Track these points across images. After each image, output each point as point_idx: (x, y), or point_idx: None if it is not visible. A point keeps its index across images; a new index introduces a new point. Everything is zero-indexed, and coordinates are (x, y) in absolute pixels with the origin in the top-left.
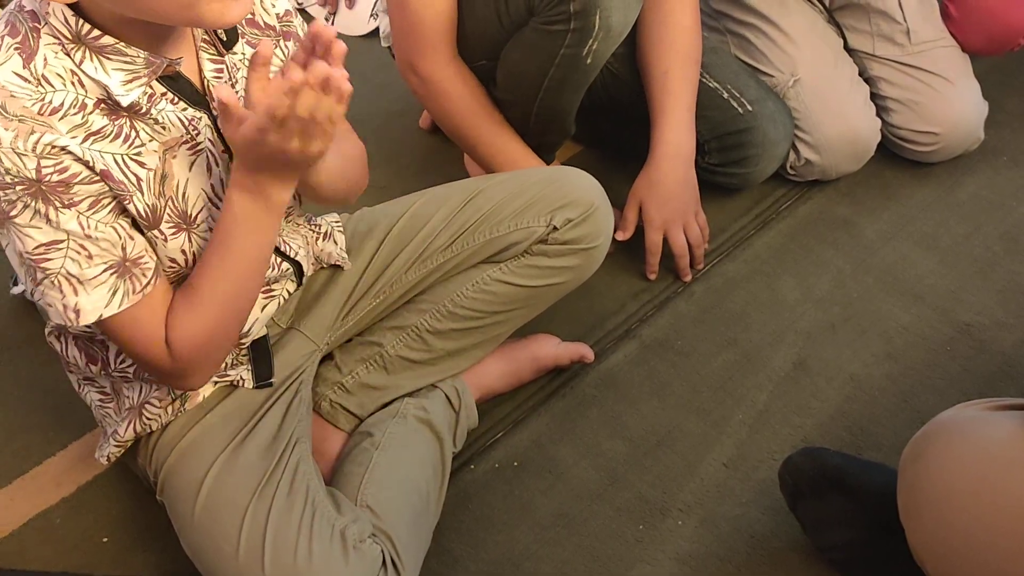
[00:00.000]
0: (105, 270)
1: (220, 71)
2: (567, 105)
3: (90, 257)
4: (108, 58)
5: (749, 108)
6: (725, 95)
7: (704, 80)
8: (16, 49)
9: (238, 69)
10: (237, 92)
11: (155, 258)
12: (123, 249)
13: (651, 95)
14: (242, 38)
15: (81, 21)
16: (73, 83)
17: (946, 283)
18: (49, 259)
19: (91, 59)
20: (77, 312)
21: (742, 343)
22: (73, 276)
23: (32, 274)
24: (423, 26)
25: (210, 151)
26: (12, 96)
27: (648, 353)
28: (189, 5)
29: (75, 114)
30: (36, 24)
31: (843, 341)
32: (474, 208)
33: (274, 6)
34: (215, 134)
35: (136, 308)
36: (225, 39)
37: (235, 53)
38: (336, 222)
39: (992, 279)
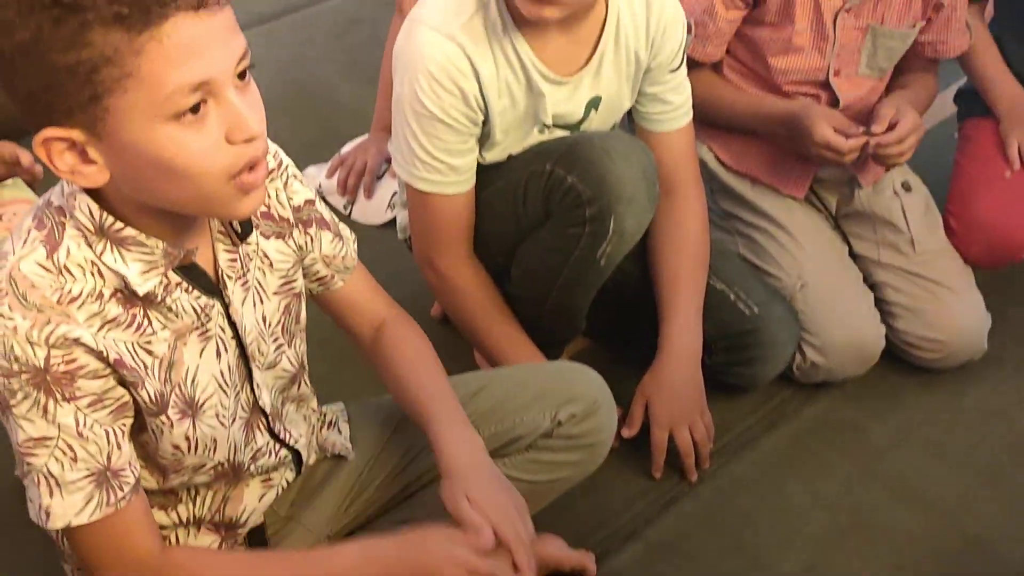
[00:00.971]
0: (86, 476)
1: (234, 261)
2: (578, 304)
3: (75, 460)
4: (128, 249)
5: (756, 310)
6: (732, 297)
7: (712, 281)
8: (42, 242)
9: (250, 259)
10: (246, 282)
11: (136, 473)
12: (108, 458)
13: (660, 296)
14: (256, 229)
15: (105, 213)
16: (92, 273)
17: (954, 492)
18: (35, 455)
19: (111, 250)
20: (48, 514)
21: (750, 548)
22: (53, 476)
23: (20, 465)
24: (442, 226)
25: (220, 337)
26: (33, 286)
27: (654, 556)
28: (205, 198)
29: (92, 303)
30: (62, 218)
31: (852, 549)
32: (479, 402)
33: (291, 199)
34: (226, 321)
35: (107, 521)
36: (240, 230)
37: (248, 243)
38: (341, 411)
39: (1000, 490)
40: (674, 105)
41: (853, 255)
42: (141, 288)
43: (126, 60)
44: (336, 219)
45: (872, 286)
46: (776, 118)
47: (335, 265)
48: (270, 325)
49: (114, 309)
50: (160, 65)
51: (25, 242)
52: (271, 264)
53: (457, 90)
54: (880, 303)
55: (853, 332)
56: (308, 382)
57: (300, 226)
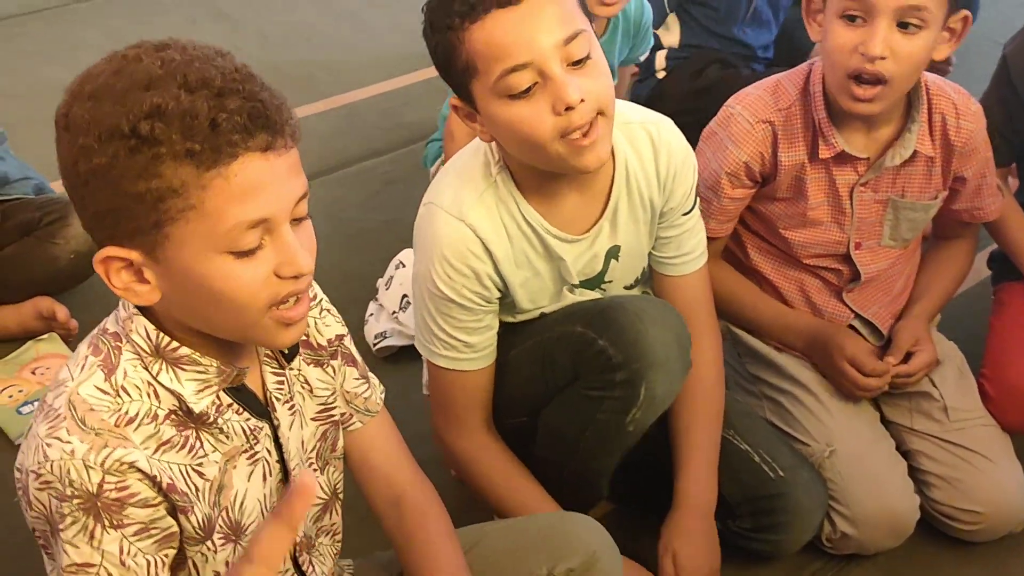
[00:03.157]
0: None
1: (281, 383)
2: (602, 468)
3: None
4: (183, 368)
5: (781, 474)
6: (756, 459)
7: (736, 442)
8: (99, 366)
9: (293, 383)
10: (293, 405)
11: None
12: None
13: (675, 447)
14: (299, 355)
15: (161, 334)
16: (149, 394)
17: None
18: None
19: (167, 370)
20: None
21: None
22: None
23: None
24: (459, 399)
25: (266, 460)
26: (91, 410)
27: None
28: (246, 326)
29: (148, 423)
30: (118, 343)
31: None
32: (475, 557)
33: (325, 329)
34: (273, 443)
35: None
36: (286, 352)
37: (292, 368)
38: (349, 565)
39: None
40: (688, 248)
41: (885, 422)
42: (196, 406)
43: (192, 193)
44: (365, 365)
45: (905, 454)
46: (800, 334)
47: (356, 404)
48: (306, 450)
49: (169, 430)
50: (223, 201)
51: (83, 368)
52: (311, 390)
53: (471, 272)
54: (914, 472)
55: (885, 502)
56: (339, 511)
57: (331, 358)
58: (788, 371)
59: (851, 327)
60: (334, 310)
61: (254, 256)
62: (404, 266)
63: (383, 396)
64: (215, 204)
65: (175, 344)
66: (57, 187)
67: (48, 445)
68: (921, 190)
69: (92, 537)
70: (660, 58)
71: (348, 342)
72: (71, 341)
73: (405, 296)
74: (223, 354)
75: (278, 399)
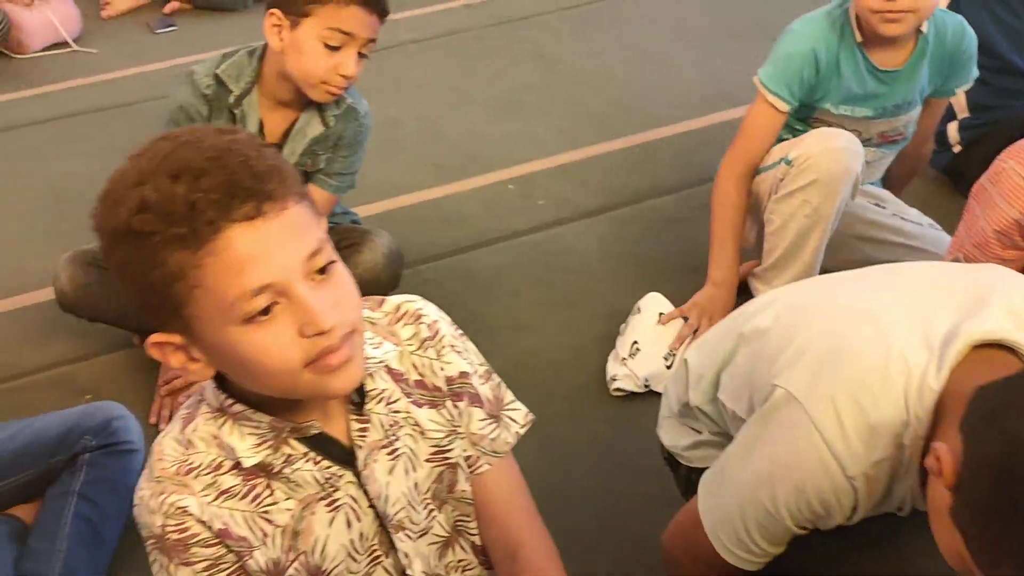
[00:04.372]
0: None
1: (364, 431)
2: None
3: None
4: (242, 424)
5: None
6: None
7: None
8: (183, 419)
9: (400, 427)
10: (397, 450)
11: None
12: None
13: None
14: (408, 398)
15: (222, 394)
16: (214, 446)
17: None
18: None
19: (230, 426)
20: None
21: None
22: None
23: None
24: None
25: (351, 507)
26: (160, 459)
27: None
28: (290, 387)
29: (208, 474)
30: (200, 399)
31: None
32: None
33: (443, 369)
34: (359, 490)
35: None
36: (357, 400)
37: (398, 411)
38: None
39: None
40: None
41: None
42: (247, 461)
43: (191, 274)
44: (502, 398)
45: None
46: None
47: (483, 446)
48: (421, 492)
49: (229, 480)
50: (221, 275)
51: (174, 420)
52: (422, 432)
53: (825, 512)
54: None
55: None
56: (467, 548)
57: (452, 398)
58: None
59: None
60: (461, 346)
61: (273, 322)
62: (640, 312)
63: (523, 430)
64: (214, 280)
65: (231, 401)
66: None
67: (135, 491)
68: None
69: (168, 573)
70: (952, 130)
71: (476, 380)
72: None
73: (636, 343)
74: (295, 408)
75: (360, 446)
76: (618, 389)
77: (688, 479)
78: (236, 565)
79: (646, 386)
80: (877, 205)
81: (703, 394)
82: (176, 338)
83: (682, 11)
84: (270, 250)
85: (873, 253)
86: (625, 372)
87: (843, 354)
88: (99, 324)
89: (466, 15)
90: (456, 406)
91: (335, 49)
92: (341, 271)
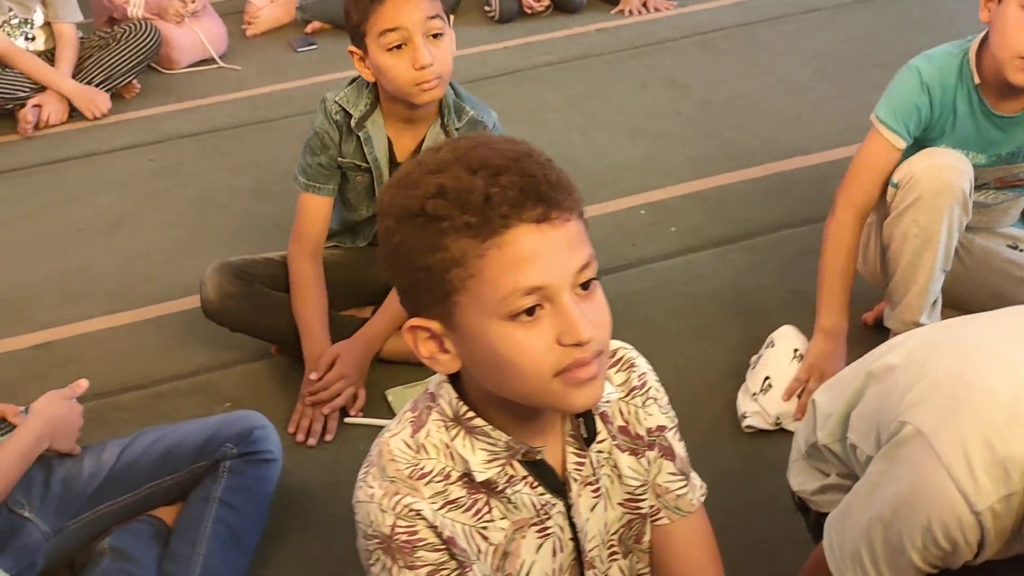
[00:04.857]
0: None
1: (581, 465)
2: None
3: None
4: (476, 438)
5: None
6: None
7: None
8: (411, 422)
9: (602, 466)
10: (597, 488)
11: None
12: None
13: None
14: (612, 440)
15: (461, 403)
16: (445, 455)
17: None
18: None
19: (463, 437)
20: None
21: None
22: None
23: None
24: None
25: (558, 536)
26: (392, 460)
27: None
28: (534, 391)
29: (439, 481)
30: (431, 404)
31: None
32: None
33: (645, 419)
34: (567, 521)
35: None
36: (586, 435)
37: (601, 451)
38: None
39: None
40: None
41: None
42: (480, 475)
43: (471, 263)
44: (687, 460)
45: None
46: None
47: (666, 499)
48: (608, 532)
49: (457, 491)
50: (499, 269)
51: (400, 422)
52: (620, 476)
53: (951, 548)
54: None
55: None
56: None
57: (648, 448)
58: None
59: None
60: (664, 400)
61: (535, 324)
62: (773, 345)
63: (703, 498)
64: (492, 272)
65: (471, 414)
66: None
67: (359, 487)
68: None
69: (391, 575)
70: None
71: (671, 435)
72: None
73: (768, 379)
74: (520, 429)
75: (575, 479)
76: (749, 426)
77: (817, 524)
78: (455, 573)
79: (777, 424)
80: (1013, 247)
81: (831, 434)
82: (434, 325)
83: (822, 39)
84: (549, 255)
85: (1007, 293)
86: (756, 409)
87: (973, 392)
88: (240, 334)
89: (599, 39)
90: (646, 456)
91: (401, 48)
92: (600, 291)
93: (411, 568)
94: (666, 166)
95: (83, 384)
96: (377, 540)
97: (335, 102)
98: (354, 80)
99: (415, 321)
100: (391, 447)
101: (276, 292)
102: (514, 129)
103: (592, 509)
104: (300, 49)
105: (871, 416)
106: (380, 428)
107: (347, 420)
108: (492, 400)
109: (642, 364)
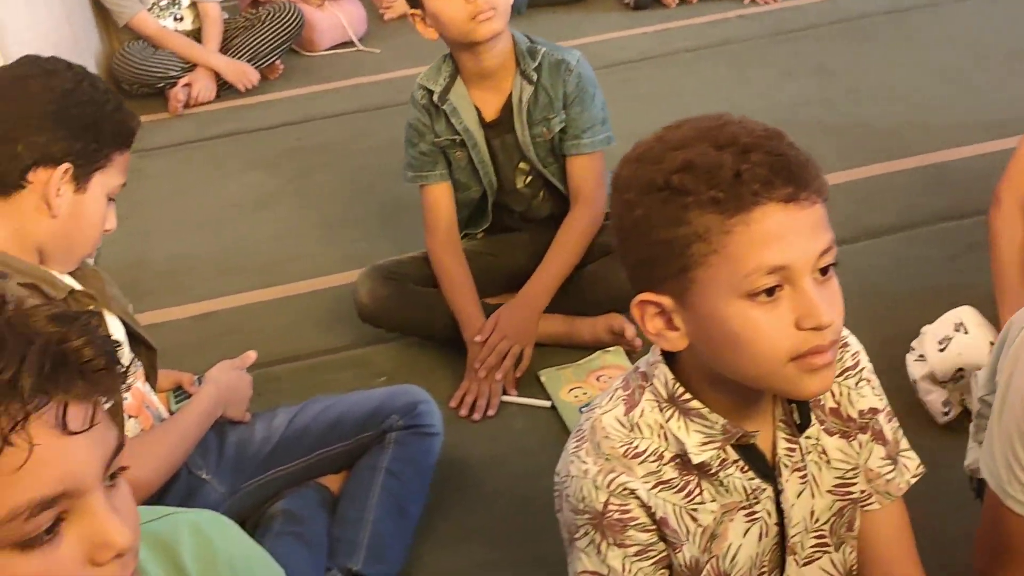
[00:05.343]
0: None
1: (792, 451)
2: None
3: None
4: (692, 420)
5: None
6: None
7: None
8: (624, 400)
9: (808, 452)
10: (804, 474)
11: None
12: None
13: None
14: (820, 424)
15: (677, 384)
16: (658, 435)
17: None
18: None
19: (677, 418)
20: None
21: None
22: None
23: None
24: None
25: (765, 521)
26: (607, 437)
27: None
28: (766, 374)
29: (653, 462)
30: (643, 383)
31: None
32: None
33: (859, 400)
34: (774, 507)
35: None
36: (799, 422)
37: (809, 436)
38: None
39: None
40: None
41: None
42: (696, 458)
43: (715, 238)
44: (899, 442)
45: None
46: None
47: (876, 484)
48: (817, 522)
49: (669, 472)
50: (744, 246)
51: (611, 399)
52: (828, 461)
53: None
54: None
55: None
56: None
57: (860, 431)
58: None
59: None
60: (876, 381)
61: (774, 305)
62: (966, 332)
63: (914, 480)
64: (736, 249)
65: (688, 396)
66: None
67: (571, 462)
68: None
69: (599, 551)
70: None
71: (883, 418)
72: (633, 356)
73: (960, 370)
74: (735, 413)
75: (786, 465)
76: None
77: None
78: (662, 555)
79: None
80: None
81: (983, 384)
82: (665, 301)
83: (978, 27)
84: (794, 236)
85: None
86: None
87: None
88: None
89: (740, 25)
90: (857, 439)
91: None
92: (836, 278)
93: (620, 546)
94: (814, 155)
95: (252, 355)
96: (588, 516)
97: (418, 85)
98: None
99: (645, 296)
100: (604, 424)
101: (427, 288)
102: (654, 116)
103: (799, 495)
104: None
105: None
106: (536, 408)
107: (504, 398)
108: (710, 381)
109: (854, 343)
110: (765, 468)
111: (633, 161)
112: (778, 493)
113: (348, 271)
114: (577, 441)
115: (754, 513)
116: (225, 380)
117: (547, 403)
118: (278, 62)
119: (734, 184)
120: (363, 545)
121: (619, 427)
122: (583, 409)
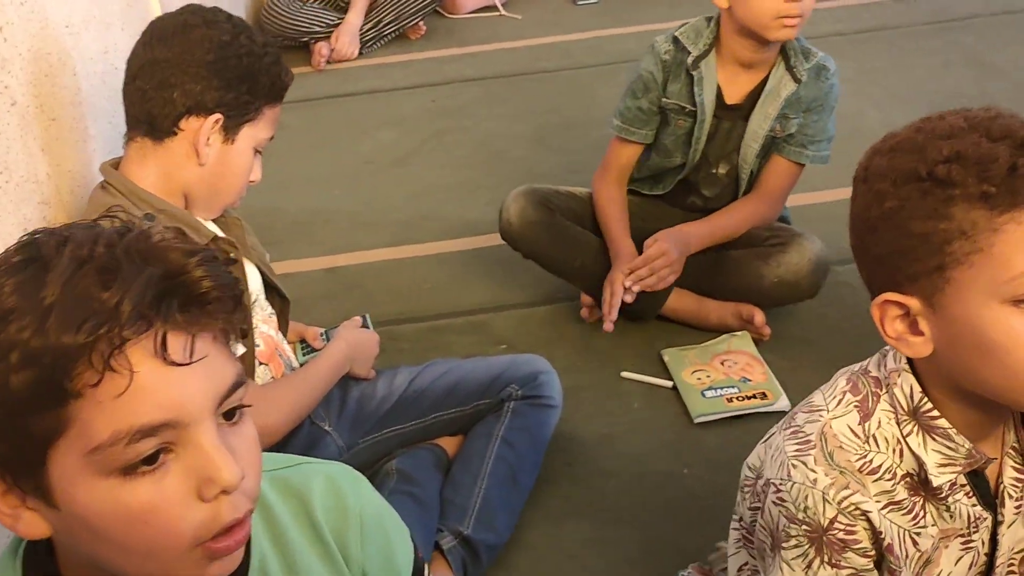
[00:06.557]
0: None
1: (1019, 480)
2: None
3: None
4: (933, 438)
5: None
6: None
7: None
8: (856, 406)
9: None
10: (1020, 506)
11: None
12: None
13: None
14: None
15: (925, 398)
16: (894, 451)
17: None
18: None
19: (917, 434)
20: None
21: None
22: None
23: None
24: None
25: (978, 550)
26: (840, 447)
27: None
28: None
29: (888, 480)
30: (878, 390)
31: None
32: None
33: None
34: (989, 536)
35: None
36: None
37: None
38: None
39: None
40: None
41: None
42: (936, 480)
43: (980, 236)
44: None
45: None
46: None
47: None
48: (1013, 551)
49: (901, 492)
50: (1013, 246)
51: (839, 403)
52: None
53: None
54: None
55: None
56: None
57: None
58: None
59: None
60: None
61: None
62: None
63: None
64: (1004, 249)
65: (935, 413)
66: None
67: (793, 466)
68: None
69: (809, 567)
70: None
71: None
72: (760, 344)
73: None
74: (974, 434)
75: (1010, 495)
76: None
77: None
78: None
79: None
80: None
81: None
82: (912, 302)
83: None
84: None
85: None
86: None
87: None
88: (522, 273)
89: (897, 11)
90: None
91: None
92: None
93: (834, 566)
94: None
95: (357, 320)
96: (807, 528)
97: (673, 37)
98: (686, 23)
99: (890, 295)
100: (835, 431)
101: (575, 226)
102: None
103: (1009, 526)
104: (580, 3)
105: None
106: (656, 387)
107: (625, 375)
108: (954, 397)
109: None
110: (989, 497)
111: (886, 152)
112: (996, 524)
113: (475, 236)
114: (799, 446)
115: (970, 542)
116: (355, 337)
117: (668, 383)
118: (421, 23)
119: (1009, 179)
120: (473, 510)
121: (853, 437)
122: (705, 393)
